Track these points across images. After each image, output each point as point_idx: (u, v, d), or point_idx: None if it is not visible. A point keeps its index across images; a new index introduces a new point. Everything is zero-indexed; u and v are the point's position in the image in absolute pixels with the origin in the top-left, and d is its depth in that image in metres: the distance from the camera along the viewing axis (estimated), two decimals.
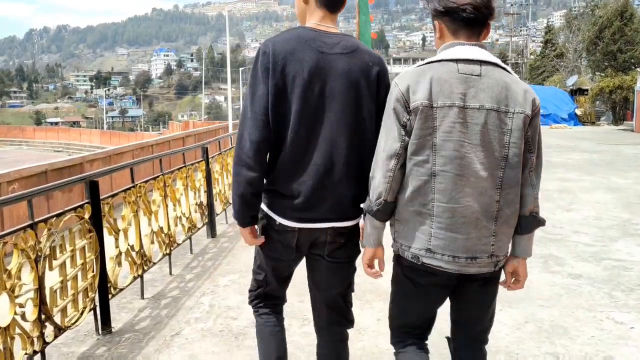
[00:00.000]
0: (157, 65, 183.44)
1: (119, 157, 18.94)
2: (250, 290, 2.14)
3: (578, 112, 23.55)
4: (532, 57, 44.75)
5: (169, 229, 4.07)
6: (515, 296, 3.21)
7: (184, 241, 4.49)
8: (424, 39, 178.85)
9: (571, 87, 26.38)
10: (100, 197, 3.06)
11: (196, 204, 4.86)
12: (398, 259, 1.87)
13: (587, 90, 25.28)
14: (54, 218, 2.65)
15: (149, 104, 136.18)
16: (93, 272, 2.97)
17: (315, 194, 1.84)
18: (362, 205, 1.85)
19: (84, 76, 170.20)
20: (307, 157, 1.84)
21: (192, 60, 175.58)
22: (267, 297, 2.11)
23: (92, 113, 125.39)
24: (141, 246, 3.58)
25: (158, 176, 3.97)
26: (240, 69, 65.66)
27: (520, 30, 50.79)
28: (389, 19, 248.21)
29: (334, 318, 2.09)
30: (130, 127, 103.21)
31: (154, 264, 3.84)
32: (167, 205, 4.07)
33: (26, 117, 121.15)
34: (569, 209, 6.32)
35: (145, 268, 3.65)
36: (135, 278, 3.50)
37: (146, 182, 3.74)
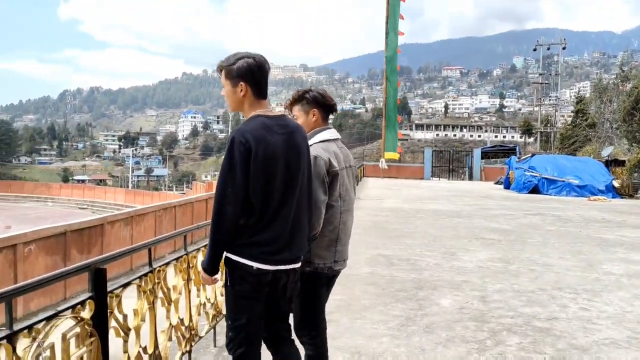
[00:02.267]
0: (184, 126, 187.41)
1: (140, 218, 18.47)
2: (231, 341, 2.45)
3: (615, 183, 22.62)
4: (560, 126, 44.21)
5: (190, 320, 3.37)
6: None
7: (207, 332, 3.77)
8: (446, 107, 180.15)
9: (606, 157, 25.58)
10: (109, 289, 2.40)
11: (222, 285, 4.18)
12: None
13: (623, 161, 24.44)
14: (42, 323, 1.98)
15: (174, 164, 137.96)
16: None
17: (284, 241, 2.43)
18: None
19: (113, 136, 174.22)
20: (277, 215, 2.37)
21: (218, 122, 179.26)
22: (249, 342, 2.45)
23: (118, 171, 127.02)
24: (156, 346, 2.89)
25: (181, 256, 3.31)
26: None
27: (543, 100, 50.53)
28: (411, 86, 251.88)
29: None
30: (155, 186, 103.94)
31: None
32: (189, 291, 3.39)
33: (54, 174, 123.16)
34: None
35: None
36: None
37: (167, 264, 3.09)
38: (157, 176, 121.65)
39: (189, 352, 3.36)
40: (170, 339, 3.11)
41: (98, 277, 2.33)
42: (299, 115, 2.92)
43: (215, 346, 3.90)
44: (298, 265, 2.52)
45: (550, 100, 54.71)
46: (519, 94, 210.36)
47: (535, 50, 48.61)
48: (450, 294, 5.47)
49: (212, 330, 3.87)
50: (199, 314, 3.58)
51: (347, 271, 6.35)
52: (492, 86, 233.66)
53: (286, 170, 2.38)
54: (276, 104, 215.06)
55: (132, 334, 2.65)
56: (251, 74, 2.40)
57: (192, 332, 3.39)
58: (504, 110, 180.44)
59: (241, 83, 2.39)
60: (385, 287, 5.72)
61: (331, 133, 2.90)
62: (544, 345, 4.06)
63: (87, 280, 2.33)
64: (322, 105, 2.91)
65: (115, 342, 2.51)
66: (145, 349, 2.77)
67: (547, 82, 50.10)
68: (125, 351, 2.60)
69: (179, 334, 3.24)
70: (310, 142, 2.74)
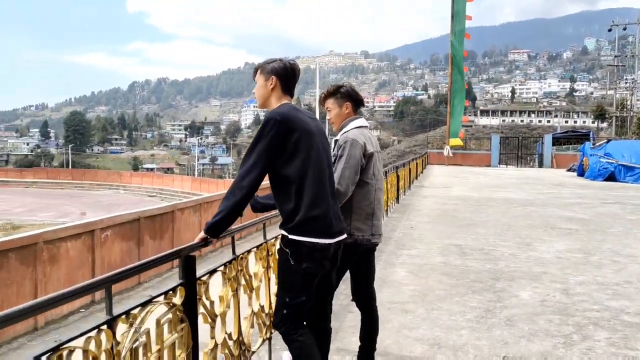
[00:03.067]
0: (246, 115, 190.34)
1: (208, 205, 18.92)
2: (286, 318, 2.57)
3: None
4: (637, 110, 41.89)
5: (270, 307, 3.38)
6: None
7: (259, 346, 3.76)
8: (513, 91, 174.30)
9: None
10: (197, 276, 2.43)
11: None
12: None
13: None
14: (138, 308, 2.01)
15: (237, 153, 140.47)
16: None
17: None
18: None
19: (179, 125, 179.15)
20: (321, 188, 2.55)
21: None
22: (302, 318, 2.60)
23: (184, 160, 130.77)
24: (240, 333, 2.91)
25: (261, 244, 3.32)
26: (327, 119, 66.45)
27: (618, 84, 47.92)
28: (476, 71, 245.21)
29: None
30: (219, 174, 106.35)
31: (253, 352, 3.14)
32: (269, 279, 3.40)
33: (125, 163, 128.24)
34: None
35: (243, 359, 2.96)
36: None
37: (248, 252, 3.10)
38: (222, 164, 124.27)
39: (269, 339, 3.37)
40: (252, 326, 3.13)
41: (188, 264, 2.35)
42: (332, 107, 3.29)
43: None
44: (345, 236, 2.70)
45: (625, 83, 51.99)
46: (590, 77, 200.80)
47: (610, 30, 46.19)
48: (529, 286, 5.27)
49: (267, 343, 3.85)
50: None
51: (419, 261, 6.29)
52: (562, 69, 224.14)
53: (321, 147, 2.61)
54: None
55: (218, 320, 2.67)
56: (283, 72, 2.66)
57: (272, 319, 3.39)
58: (574, 94, 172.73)
59: (272, 77, 2.64)
60: (460, 278, 5.57)
61: (362, 121, 3.29)
62: (635, 342, 3.84)
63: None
64: (354, 99, 3.29)
65: (201, 328, 2.54)
66: (230, 335, 2.79)
67: (622, 64, 47.48)
68: (213, 337, 2.63)
69: (260, 321, 3.25)
70: (347, 128, 3.21)
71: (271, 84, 2.64)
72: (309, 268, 2.52)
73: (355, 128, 3.20)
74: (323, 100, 3.34)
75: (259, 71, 2.71)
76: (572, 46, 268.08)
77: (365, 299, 3.34)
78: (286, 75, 2.66)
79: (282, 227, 2.59)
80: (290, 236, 2.51)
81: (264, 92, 2.67)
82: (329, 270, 2.68)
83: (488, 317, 4.34)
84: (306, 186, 2.49)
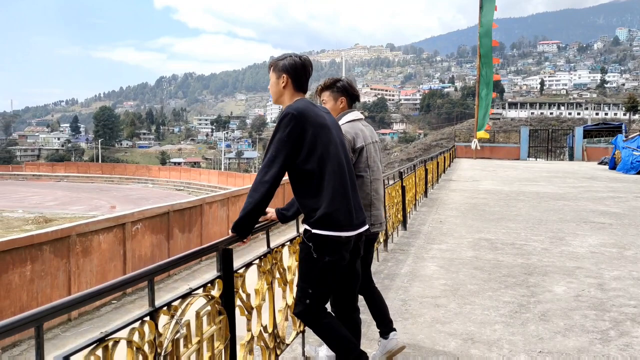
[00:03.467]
0: (272, 110, 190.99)
1: (235, 199, 19.08)
2: (305, 309, 2.65)
3: None
4: None
5: None
6: None
7: (293, 339, 3.78)
8: (542, 83, 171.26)
9: None
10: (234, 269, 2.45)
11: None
12: None
13: None
14: (178, 300, 2.04)
15: (263, 147, 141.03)
16: None
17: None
18: None
19: (206, 120, 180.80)
20: (341, 182, 2.58)
21: None
22: (324, 307, 2.69)
23: (211, 154, 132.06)
24: (275, 325, 2.93)
25: (294, 238, 3.32)
26: None
27: None
28: (504, 63, 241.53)
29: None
30: (245, 168, 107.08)
31: (287, 345, 3.16)
32: None
33: (153, 157, 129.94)
34: None
35: (278, 352, 2.98)
36: None
37: (282, 245, 3.12)
38: (247, 158, 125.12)
39: (303, 332, 3.38)
40: (286, 319, 3.15)
41: (225, 257, 2.38)
42: (327, 100, 3.31)
43: (303, 355, 3.91)
44: (367, 226, 2.77)
45: None
46: (622, 68, 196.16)
47: None
48: (563, 281, 5.19)
49: (301, 335, 3.86)
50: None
51: (450, 255, 6.25)
52: (593, 61, 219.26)
53: (338, 141, 2.65)
54: (362, 85, 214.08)
55: (254, 312, 2.70)
56: (294, 69, 2.67)
57: (278, 340, 3.39)
58: (605, 86, 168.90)
59: (283, 75, 2.67)
60: (492, 272, 5.52)
61: (356, 114, 3.33)
62: None
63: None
64: (350, 94, 3.34)
65: (238, 321, 2.56)
66: (265, 328, 2.81)
67: None
68: (249, 329, 2.65)
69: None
70: (339, 122, 3.17)
71: (283, 82, 2.68)
72: (331, 261, 2.58)
73: (346, 122, 3.25)
74: (319, 92, 3.36)
75: (272, 68, 2.74)
76: (603, 37, 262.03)
77: (363, 282, 3.33)
78: (297, 72, 2.68)
79: (304, 222, 2.65)
80: (314, 230, 2.56)
81: (277, 90, 2.70)
82: (352, 260, 2.73)
83: (522, 312, 4.29)
84: (326, 181, 2.54)
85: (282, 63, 2.69)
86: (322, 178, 2.54)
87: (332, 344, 2.67)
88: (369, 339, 3.73)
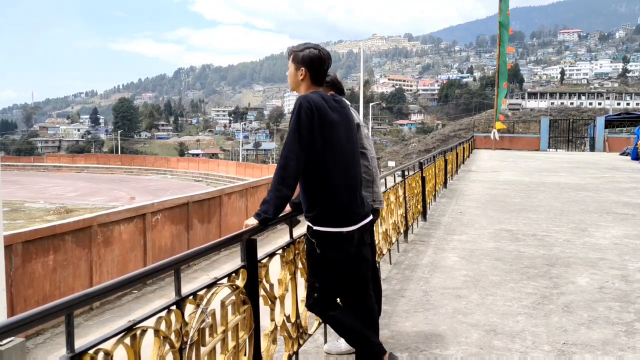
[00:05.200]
0: (289, 101, 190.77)
1: (254, 190, 19.13)
2: (315, 302, 2.73)
3: None
4: None
5: None
6: None
7: (316, 329, 3.78)
8: (562, 73, 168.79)
9: None
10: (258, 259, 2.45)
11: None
12: None
13: None
14: (204, 290, 2.05)
15: (280, 138, 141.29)
16: (245, 355, 2.35)
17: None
18: None
19: (224, 111, 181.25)
20: (345, 179, 2.61)
21: None
22: (334, 299, 2.76)
23: (229, 146, 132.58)
24: (297, 316, 2.93)
25: None
26: (370, 104, 65.97)
27: None
28: (523, 52, 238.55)
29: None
30: (263, 159, 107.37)
31: (310, 335, 3.17)
32: None
33: (171, 148, 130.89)
34: None
35: (301, 342, 2.99)
36: (290, 357, 2.84)
37: (304, 236, 3.11)
38: (265, 150, 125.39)
39: (296, 353, 3.37)
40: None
41: (250, 247, 2.38)
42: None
43: (325, 342, 3.90)
44: (370, 218, 2.79)
45: None
46: None
47: None
48: (586, 272, 5.13)
49: (323, 326, 3.86)
50: None
51: (471, 246, 6.21)
52: (615, 49, 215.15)
53: (344, 137, 2.66)
54: (380, 76, 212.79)
55: (277, 302, 2.71)
56: (312, 63, 2.68)
57: (301, 331, 3.39)
58: (627, 75, 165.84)
59: (302, 68, 2.69)
60: (513, 263, 5.47)
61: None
62: None
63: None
64: (338, 88, 3.37)
65: (262, 310, 2.57)
66: (288, 318, 2.82)
67: None
68: (273, 319, 2.66)
69: None
70: None
71: (301, 74, 2.69)
72: (334, 256, 2.62)
73: None
74: None
75: (291, 57, 2.75)
76: (625, 25, 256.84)
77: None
78: (314, 66, 2.69)
79: (306, 217, 2.66)
80: (315, 227, 2.60)
81: (295, 80, 2.73)
82: (359, 249, 2.72)
83: (545, 303, 4.25)
84: (328, 177, 2.57)
85: (302, 55, 2.69)
86: (324, 175, 2.57)
87: (345, 336, 2.75)
88: (394, 333, 3.72)
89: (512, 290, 4.58)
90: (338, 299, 2.83)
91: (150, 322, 1.76)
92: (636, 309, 4.13)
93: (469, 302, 4.31)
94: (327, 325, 3.40)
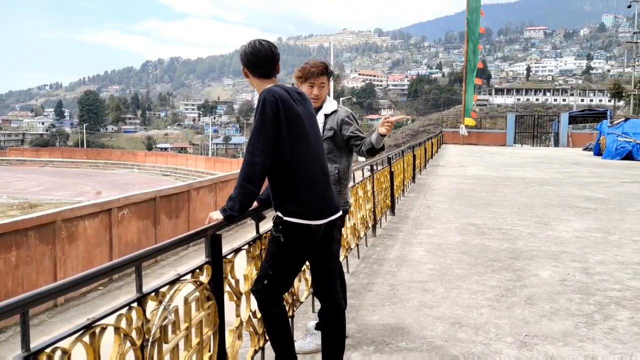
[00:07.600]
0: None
1: (223, 185, 18.99)
2: (262, 289, 2.60)
3: None
4: None
5: (292, 286, 3.39)
6: None
7: (306, 298, 3.80)
8: (528, 69, 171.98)
9: None
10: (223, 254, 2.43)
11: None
12: None
13: None
14: (166, 287, 2.03)
15: (250, 132, 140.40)
16: (210, 352, 2.33)
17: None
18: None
19: (193, 105, 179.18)
20: (312, 172, 2.59)
21: None
22: (281, 293, 2.73)
23: (198, 140, 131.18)
24: None
25: None
26: (341, 99, 66.07)
27: (636, 61, 46.83)
28: (491, 49, 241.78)
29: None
30: (233, 153, 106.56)
31: None
32: None
33: (139, 142, 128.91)
34: None
35: (267, 337, 2.98)
36: (256, 352, 2.83)
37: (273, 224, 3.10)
38: (235, 144, 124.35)
39: (292, 317, 3.39)
40: None
41: (214, 243, 2.36)
42: (327, 85, 3.36)
43: (313, 312, 3.93)
44: (339, 213, 2.76)
45: None
46: (608, 54, 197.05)
47: (629, 7, 45.08)
48: (548, 265, 5.24)
49: (311, 296, 3.89)
50: (300, 280, 3.60)
51: (437, 240, 6.28)
52: (579, 47, 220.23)
53: (311, 131, 2.64)
54: (350, 70, 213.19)
55: (243, 298, 2.69)
56: (245, 59, 2.63)
57: (294, 298, 3.41)
58: (591, 72, 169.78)
59: (243, 68, 2.67)
60: (478, 257, 5.56)
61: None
62: None
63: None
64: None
65: (227, 306, 2.55)
66: (254, 313, 2.80)
67: (637, 41, 46.42)
68: (238, 315, 2.65)
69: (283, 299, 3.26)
70: (333, 105, 3.38)
71: (245, 72, 2.67)
72: (298, 247, 2.60)
73: (340, 105, 3.48)
74: (319, 74, 3.26)
75: None
76: (589, 23, 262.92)
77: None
78: (250, 61, 2.62)
79: (276, 209, 2.62)
80: (285, 218, 2.56)
81: (255, 82, 2.67)
82: (328, 245, 2.74)
83: (508, 296, 4.33)
84: (296, 171, 2.54)
85: (240, 55, 2.66)
86: (292, 169, 2.54)
87: (271, 335, 2.68)
88: (362, 327, 3.75)
89: (477, 283, 4.66)
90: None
91: (111, 319, 1.73)
92: (596, 300, 4.24)
93: (435, 295, 4.36)
94: (294, 322, 3.41)
